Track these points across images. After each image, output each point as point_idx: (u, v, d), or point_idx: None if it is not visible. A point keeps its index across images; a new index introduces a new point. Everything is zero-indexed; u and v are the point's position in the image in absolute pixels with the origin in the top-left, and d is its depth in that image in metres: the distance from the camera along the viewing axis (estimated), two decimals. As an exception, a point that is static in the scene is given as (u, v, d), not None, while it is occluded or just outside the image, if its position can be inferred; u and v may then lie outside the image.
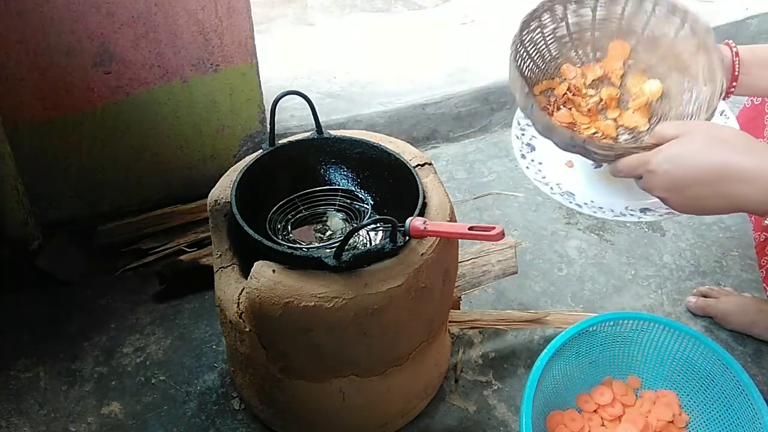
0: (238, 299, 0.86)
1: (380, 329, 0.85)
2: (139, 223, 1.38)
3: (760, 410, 0.89)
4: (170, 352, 1.18)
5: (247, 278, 0.85)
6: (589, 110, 0.91)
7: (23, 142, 1.23)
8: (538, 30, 0.91)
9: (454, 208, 0.96)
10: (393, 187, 1.01)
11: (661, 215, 0.83)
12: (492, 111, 1.82)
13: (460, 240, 1.02)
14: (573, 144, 0.77)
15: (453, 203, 0.97)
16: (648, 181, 0.75)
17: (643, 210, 0.84)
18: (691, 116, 0.83)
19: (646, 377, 1.06)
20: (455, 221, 0.97)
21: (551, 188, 0.88)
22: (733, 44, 0.87)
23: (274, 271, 0.82)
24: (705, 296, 1.26)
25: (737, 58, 0.87)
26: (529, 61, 0.91)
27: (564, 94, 0.91)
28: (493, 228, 0.75)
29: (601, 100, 0.91)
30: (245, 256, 0.91)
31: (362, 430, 1.02)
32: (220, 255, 0.93)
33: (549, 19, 0.91)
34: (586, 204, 0.85)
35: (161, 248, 1.36)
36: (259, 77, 1.41)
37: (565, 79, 0.93)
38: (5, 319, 1.23)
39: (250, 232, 0.84)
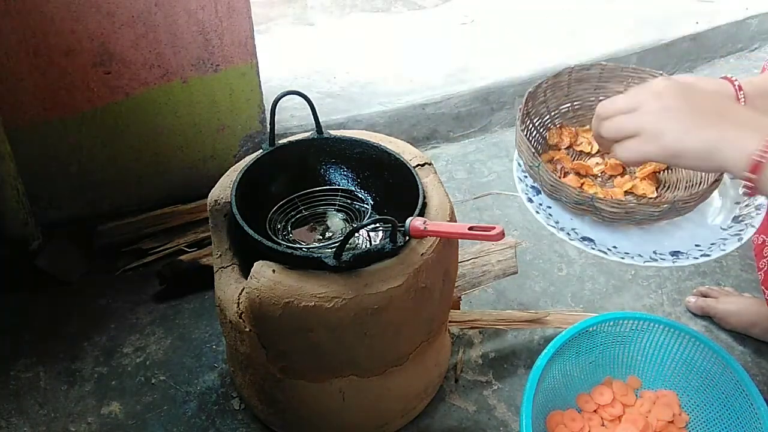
0: (238, 299, 0.87)
1: (380, 329, 0.85)
2: (139, 223, 1.38)
3: (759, 410, 0.89)
4: (170, 352, 1.18)
5: (247, 278, 0.85)
6: (596, 177, 0.88)
7: (23, 142, 1.24)
8: (543, 104, 0.89)
9: (454, 208, 0.96)
10: (393, 187, 1.01)
11: (696, 258, 0.75)
12: (492, 111, 1.82)
13: (460, 240, 1.02)
14: (581, 202, 0.75)
15: (453, 203, 0.97)
16: (640, 93, 0.68)
17: (674, 253, 0.77)
18: (700, 183, 0.79)
19: (646, 377, 1.06)
20: (455, 221, 0.97)
21: (568, 234, 0.81)
22: (734, 78, 0.83)
23: (274, 271, 0.82)
24: (705, 296, 1.26)
25: (741, 92, 0.82)
26: (534, 132, 0.89)
27: (572, 161, 0.89)
28: (493, 228, 0.75)
29: (607, 164, 0.88)
30: (245, 256, 0.91)
31: (362, 430, 1.02)
32: (220, 255, 0.93)
33: (554, 94, 0.89)
34: (609, 250, 0.79)
35: (161, 248, 1.36)
36: (259, 77, 1.41)
37: (571, 147, 0.91)
38: (5, 319, 1.23)
39: (250, 232, 0.84)
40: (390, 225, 0.81)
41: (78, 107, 1.27)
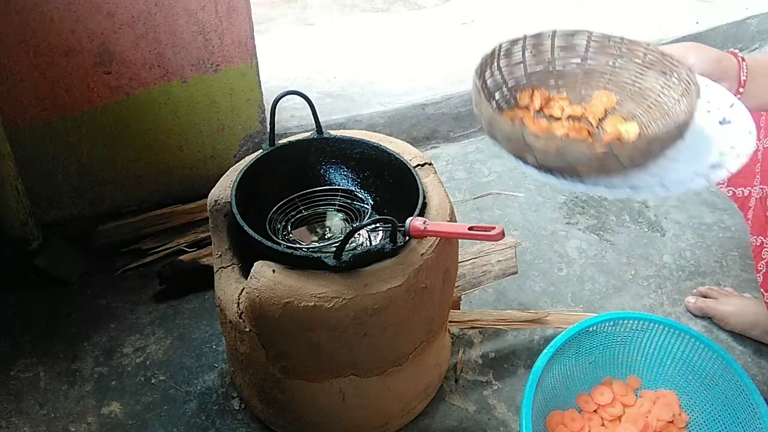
0: (238, 299, 0.87)
1: (380, 329, 0.85)
2: (139, 223, 1.38)
3: (760, 410, 0.89)
4: (170, 352, 1.18)
5: (247, 278, 0.85)
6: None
7: (23, 142, 1.24)
8: (521, 64, 0.88)
9: (454, 208, 0.96)
10: (393, 187, 1.01)
11: (654, 191, 0.72)
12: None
13: (460, 240, 1.02)
14: (513, 137, 0.70)
15: (453, 203, 0.97)
16: None
17: (633, 187, 0.73)
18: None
19: (646, 377, 1.06)
20: (455, 221, 0.97)
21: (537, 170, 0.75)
22: (739, 54, 0.85)
23: (274, 271, 0.82)
24: (704, 296, 1.26)
25: (744, 63, 0.84)
26: (506, 92, 0.87)
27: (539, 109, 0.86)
28: (493, 228, 0.75)
29: (571, 128, 0.84)
30: (245, 256, 0.91)
31: (362, 429, 1.02)
32: (220, 255, 0.93)
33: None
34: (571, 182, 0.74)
35: (161, 248, 1.36)
36: (259, 77, 1.41)
37: (541, 110, 0.87)
38: (5, 319, 1.23)
39: (250, 232, 0.84)
40: (390, 225, 0.81)
41: (78, 107, 1.27)
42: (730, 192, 1.20)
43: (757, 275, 1.10)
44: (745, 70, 0.84)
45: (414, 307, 0.86)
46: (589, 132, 0.83)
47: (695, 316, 1.25)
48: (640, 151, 0.69)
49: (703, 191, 1.58)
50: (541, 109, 0.87)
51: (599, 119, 0.85)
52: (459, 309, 1.21)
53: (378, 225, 0.98)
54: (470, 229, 0.77)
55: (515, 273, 1.22)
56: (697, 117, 0.76)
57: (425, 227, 0.79)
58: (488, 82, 0.85)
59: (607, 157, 0.66)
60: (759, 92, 0.86)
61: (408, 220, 0.81)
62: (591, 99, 0.88)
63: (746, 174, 1.14)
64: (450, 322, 1.13)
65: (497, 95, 0.86)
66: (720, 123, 0.81)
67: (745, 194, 1.16)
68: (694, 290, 1.29)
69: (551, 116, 0.87)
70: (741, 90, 0.85)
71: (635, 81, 0.85)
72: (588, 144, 0.68)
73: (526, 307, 1.27)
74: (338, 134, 1.04)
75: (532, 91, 0.88)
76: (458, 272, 1.11)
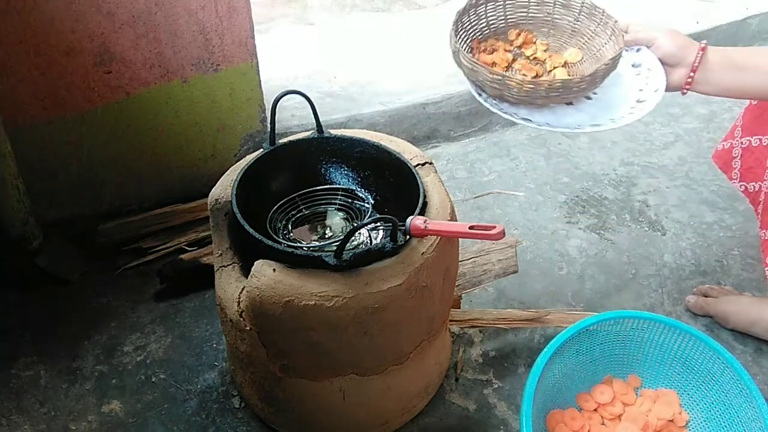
0: (239, 298, 0.87)
1: (380, 328, 0.85)
2: (140, 222, 1.38)
3: (760, 409, 0.89)
4: (171, 351, 1.18)
5: (247, 277, 0.85)
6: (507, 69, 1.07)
7: (24, 142, 1.24)
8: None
9: (454, 207, 0.96)
10: (393, 186, 1.01)
11: (606, 124, 0.96)
12: (492, 111, 1.82)
13: (460, 239, 1.02)
14: (495, 80, 0.94)
15: (453, 202, 0.97)
16: None
17: (593, 125, 0.97)
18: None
19: (647, 376, 1.06)
20: (456, 220, 0.97)
21: (512, 116, 0.98)
22: (704, 44, 0.97)
23: (274, 270, 0.82)
24: (705, 295, 1.26)
25: (701, 53, 0.96)
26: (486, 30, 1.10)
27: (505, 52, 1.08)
28: (494, 227, 0.75)
29: (523, 66, 1.06)
30: (246, 255, 0.91)
31: (362, 428, 1.02)
32: (221, 254, 0.93)
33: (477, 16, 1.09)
34: (545, 125, 0.97)
35: (161, 247, 1.36)
36: (259, 77, 1.41)
37: (521, 47, 1.09)
38: (5, 318, 1.23)
39: (251, 231, 0.84)
40: (390, 224, 0.81)
41: (78, 107, 1.27)
42: (743, 187, 1.20)
43: (765, 268, 1.10)
44: (697, 62, 0.96)
45: (414, 306, 0.86)
46: (537, 72, 1.05)
47: (696, 315, 1.25)
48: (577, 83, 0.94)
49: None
50: (521, 46, 1.09)
51: (554, 66, 1.06)
52: (459, 308, 1.21)
53: (378, 224, 0.98)
54: (471, 228, 0.77)
55: (516, 272, 1.22)
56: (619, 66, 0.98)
57: (426, 226, 0.79)
58: (469, 21, 1.07)
59: (534, 91, 0.93)
60: (712, 80, 0.98)
61: (409, 219, 0.81)
62: (563, 51, 1.08)
63: (756, 169, 1.15)
64: (450, 321, 1.13)
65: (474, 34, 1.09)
66: (633, 66, 1.03)
67: (756, 189, 1.17)
68: (695, 289, 1.29)
69: (522, 53, 1.08)
70: (691, 74, 0.97)
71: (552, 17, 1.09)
72: (537, 83, 0.92)
73: (527, 306, 1.27)
74: (339, 133, 1.04)
75: (520, 32, 1.09)
76: (458, 271, 1.11)
